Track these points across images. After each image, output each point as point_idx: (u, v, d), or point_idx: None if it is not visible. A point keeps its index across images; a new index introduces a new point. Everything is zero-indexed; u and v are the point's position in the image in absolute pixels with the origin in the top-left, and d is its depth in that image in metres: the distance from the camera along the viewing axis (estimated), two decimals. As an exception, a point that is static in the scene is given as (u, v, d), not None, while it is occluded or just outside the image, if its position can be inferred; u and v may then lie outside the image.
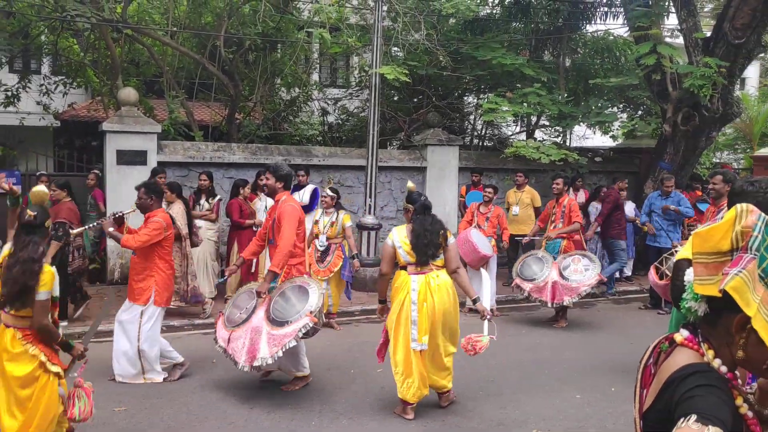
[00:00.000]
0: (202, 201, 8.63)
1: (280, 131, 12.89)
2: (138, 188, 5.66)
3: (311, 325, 5.02)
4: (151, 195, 5.63)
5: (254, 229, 8.52)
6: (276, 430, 4.73)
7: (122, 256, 9.70)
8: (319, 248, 7.56)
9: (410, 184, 5.60)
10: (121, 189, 9.55)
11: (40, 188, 4.13)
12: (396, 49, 11.52)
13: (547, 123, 13.71)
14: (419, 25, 11.09)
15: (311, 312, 5.06)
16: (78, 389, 3.85)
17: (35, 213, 3.64)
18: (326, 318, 7.75)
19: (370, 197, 9.89)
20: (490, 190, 8.95)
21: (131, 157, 9.70)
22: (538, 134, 14.37)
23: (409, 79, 10.13)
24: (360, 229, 9.89)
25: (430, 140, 11.78)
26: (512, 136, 14.61)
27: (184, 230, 7.41)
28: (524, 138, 13.31)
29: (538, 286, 7.91)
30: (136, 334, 5.54)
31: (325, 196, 7.64)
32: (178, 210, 7.42)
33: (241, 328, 5.24)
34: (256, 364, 5.01)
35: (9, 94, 12.31)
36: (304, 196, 9.13)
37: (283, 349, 4.95)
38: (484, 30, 12.71)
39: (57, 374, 3.70)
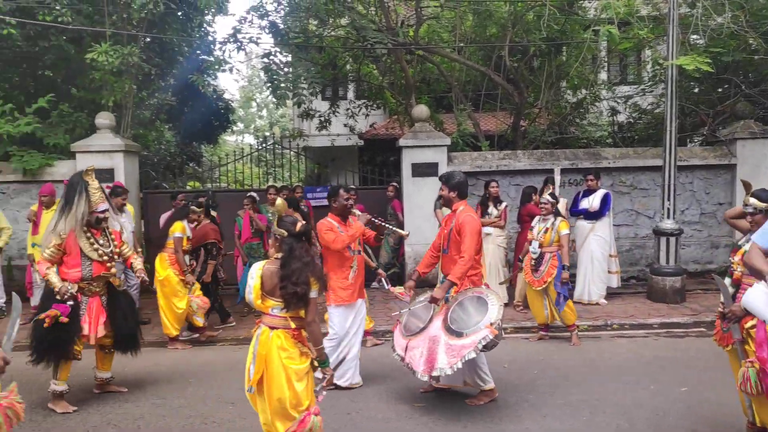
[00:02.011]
0: (491, 209, 8.82)
1: (566, 135, 12.61)
2: (350, 190, 6.00)
3: (491, 338, 4.84)
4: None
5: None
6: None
7: (416, 260, 10.36)
8: (533, 255, 7.14)
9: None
10: (416, 199, 10.26)
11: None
12: (695, 36, 10.48)
13: None
14: (723, 8, 9.94)
15: (491, 324, 4.87)
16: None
17: (302, 223, 3.98)
18: (544, 330, 7.40)
19: (668, 200, 9.11)
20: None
21: (424, 169, 10.35)
22: None
23: (712, 68, 9.13)
24: (657, 234, 9.17)
25: (740, 134, 10.46)
26: None
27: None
28: None
29: None
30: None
31: (546, 203, 7.18)
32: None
33: (418, 337, 5.20)
34: (434, 374, 4.96)
35: (322, 119, 14.03)
36: (594, 201, 8.80)
37: (463, 361, 4.84)
38: (807, 2, 10.90)
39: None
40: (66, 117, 10.42)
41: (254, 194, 9.19)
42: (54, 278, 5.12)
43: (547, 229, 7.09)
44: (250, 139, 37.05)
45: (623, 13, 10.51)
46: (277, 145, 13.66)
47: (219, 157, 17.05)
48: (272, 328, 3.87)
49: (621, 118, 13.64)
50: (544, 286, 7.04)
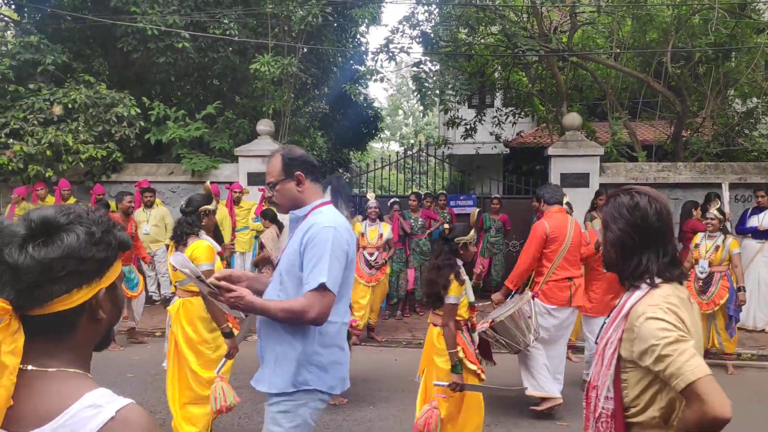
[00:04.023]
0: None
1: (733, 147, 11.65)
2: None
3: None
4: None
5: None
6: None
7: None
8: (700, 276, 6.53)
9: None
10: (564, 210, 9.92)
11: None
12: None
13: None
14: None
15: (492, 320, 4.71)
16: None
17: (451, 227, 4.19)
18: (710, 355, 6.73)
19: None
20: None
21: (574, 180, 9.99)
22: None
23: None
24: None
25: None
26: None
27: (275, 254, 7.56)
28: None
29: None
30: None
31: (713, 218, 6.56)
32: (269, 235, 7.58)
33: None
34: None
35: (468, 127, 14.00)
36: (764, 219, 8.10)
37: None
38: None
39: (475, 374, 4.01)
40: (230, 123, 11.23)
41: (398, 200, 9.38)
42: None
43: (717, 247, 6.54)
44: (395, 146, 37.79)
45: (806, 14, 9.57)
46: (421, 153, 13.80)
47: (366, 164, 17.52)
48: (434, 324, 4.12)
49: (801, 128, 12.39)
50: (714, 309, 6.51)
